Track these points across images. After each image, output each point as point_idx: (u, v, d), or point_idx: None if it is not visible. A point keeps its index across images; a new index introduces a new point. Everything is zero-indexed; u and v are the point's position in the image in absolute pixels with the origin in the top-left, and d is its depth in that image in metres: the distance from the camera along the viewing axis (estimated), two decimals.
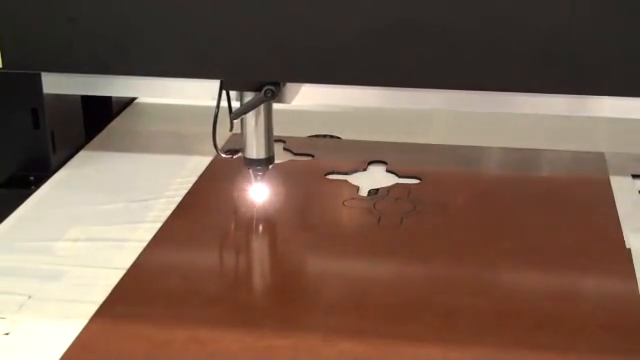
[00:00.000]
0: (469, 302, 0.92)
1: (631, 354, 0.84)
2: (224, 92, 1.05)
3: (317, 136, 1.34)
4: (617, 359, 0.84)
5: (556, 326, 0.88)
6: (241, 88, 1.05)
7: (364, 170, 1.22)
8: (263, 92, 1.01)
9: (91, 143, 1.31)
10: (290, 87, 1.08)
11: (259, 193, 1.11)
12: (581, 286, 0.96)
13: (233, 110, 1.06)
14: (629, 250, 1.01)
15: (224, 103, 1.06)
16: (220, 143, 1.28)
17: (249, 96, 1.04)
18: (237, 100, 1.07)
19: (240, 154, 1.10)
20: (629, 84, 0.94)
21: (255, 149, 1.08)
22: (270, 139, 1.08)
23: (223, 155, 1.11)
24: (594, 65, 0.93)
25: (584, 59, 0.93)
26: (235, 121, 1.06)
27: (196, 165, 1.22)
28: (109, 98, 1.39)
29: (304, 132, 1.32)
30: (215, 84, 1.05)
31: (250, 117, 1.06)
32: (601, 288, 0.96)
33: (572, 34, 0.92)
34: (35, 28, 0.98)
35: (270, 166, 1.09)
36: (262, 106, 1.05)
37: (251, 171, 1.09)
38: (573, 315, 0.90)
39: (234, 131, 1.07)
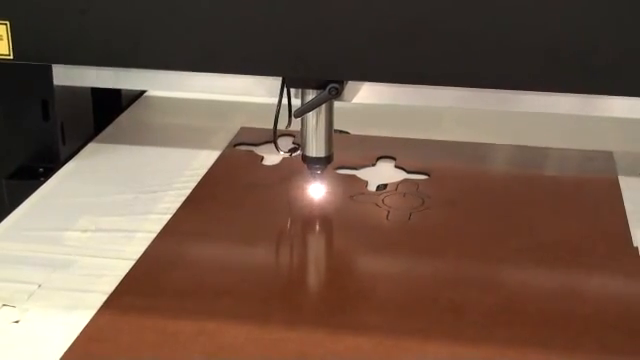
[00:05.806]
0: (477, 298, 0.92)
1: (638, 354, 0.85)
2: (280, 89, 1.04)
3: None
4: (624, 358, 0.84)
5: (563, 324, 0.88)
6: (304, 86, 1.03)
7: (373, 165, 1.22)
8: (327, 90, 1.00)
9: (100, 135, 1.31)
10: (351, 85, 1.07)
11: (316, 192, 1.11)
12: (588, 284, 0.96)
13: (293, 107, 1.05)
14: (636, 249, 1.01)
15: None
16: (229, 137, 1.29)
17: (310, 94, 1.03)
18: (297, 97, 1.05)
19: (299, 152, 1.09)
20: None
21: (315, 147, 1.07)
22: (330, 137, 1.08)
23: (281, 153, 1.11)
24: (604, 65, 0.93)
25: (594, 58, 0.93)
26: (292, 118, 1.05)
27: (205, 158, 1.23)
28: (119, 91, 1.38)
29: None
30: (227, 79, 1.04)
31: (311, 115, 1.05)
32: (608, 287, 0.96)
33: (582, 33, 0.92)
34: (46, 20, 0.98)
35: (329, 164, 1.09)
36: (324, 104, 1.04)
37: (309, 169, 1.09)
38: (580, 313, 0.90)
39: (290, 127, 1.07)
